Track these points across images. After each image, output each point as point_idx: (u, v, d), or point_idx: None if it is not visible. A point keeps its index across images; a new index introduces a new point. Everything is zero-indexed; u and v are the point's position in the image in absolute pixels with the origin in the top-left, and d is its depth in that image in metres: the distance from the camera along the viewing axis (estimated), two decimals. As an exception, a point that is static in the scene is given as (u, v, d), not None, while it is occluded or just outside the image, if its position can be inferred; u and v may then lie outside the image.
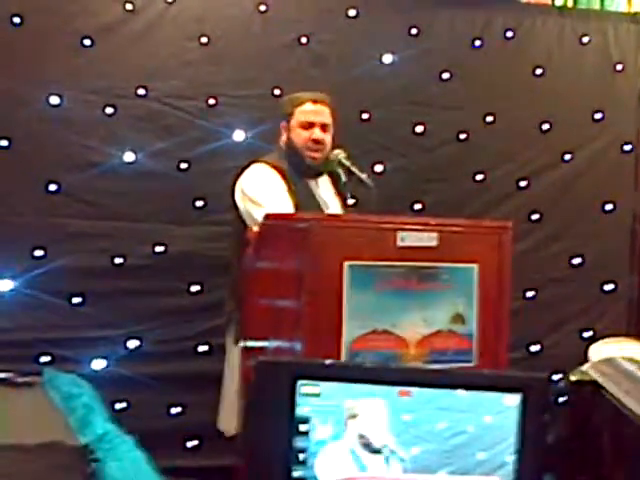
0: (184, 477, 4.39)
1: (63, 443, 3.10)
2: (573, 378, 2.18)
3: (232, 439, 3.92)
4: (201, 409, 4.47)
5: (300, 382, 1.58)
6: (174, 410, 4.70)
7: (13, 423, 3.39)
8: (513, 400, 1.60)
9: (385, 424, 1.58)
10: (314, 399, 1.59)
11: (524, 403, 1.60)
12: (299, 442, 1.59)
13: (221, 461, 4.26)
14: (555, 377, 4.80)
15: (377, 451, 1.58)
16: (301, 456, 1.58)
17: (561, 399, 1.61)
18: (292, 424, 1.58)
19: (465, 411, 1.60)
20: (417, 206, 5.05)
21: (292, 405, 1.58)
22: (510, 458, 1.60)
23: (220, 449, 4.24)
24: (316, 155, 3.92)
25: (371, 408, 1.58)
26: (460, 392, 1.60)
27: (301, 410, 1.59)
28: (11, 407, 3.69)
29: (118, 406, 4.53)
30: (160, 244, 4.70)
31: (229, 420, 3.98)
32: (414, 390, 1.60)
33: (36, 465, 2.84)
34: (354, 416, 1.58)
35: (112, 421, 3.58)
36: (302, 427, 1.58)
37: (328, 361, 1.64)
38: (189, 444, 4.70)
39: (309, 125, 3.95)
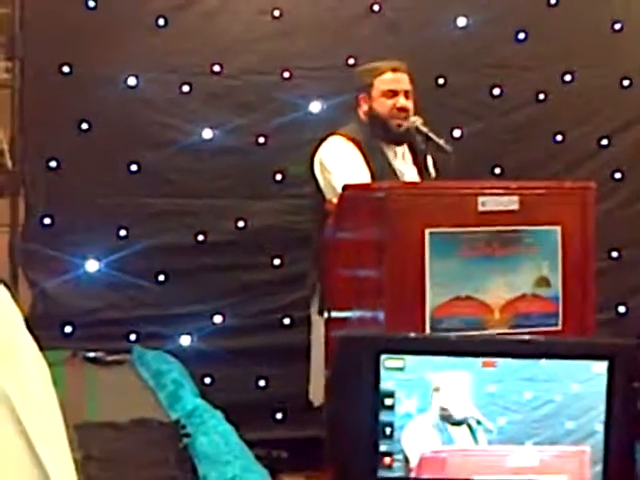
0: (272, 449, 4.44)
1: (154, 419, 3.17)
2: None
3: (320, 409, 3.95)
4: (286, 381, 4.51)
5: (384, 356, 1.58)
6: (260, 383, 4.75)
7: (105, 401, 3.47)
8: (601, 367, 1.58)
9: (470, 396, 1.58)
10: (398, 373, 1.58)
11: (612, 370, 1.57)
12: (384, 416, 1.58)
13: (309, 432, 4.29)
14: (644, 337, 4.74)
15: (459, 423, 1.58)
16: (387, 430, 1.58)
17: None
18: (377, 398, 1.58)
19: (551, 380, 1.58)
20: (497, 170, 4.99)
21: (376, 379, 1.58)
22: (600, 427, 1.57)
23: (307, 420, 4.28)
24: (401, 122, 3.90)
25: (454, 380, 1.57)
26: (545, 361, 1.58)
27: (385, 384, 1.58)
28: (102, 385, 3.78)
29: (205, 381, 4.59)
30: (241, 219, 4.73)
31: (318, 390, 4.01)
32: (498, 360, 1.58)
33: (129, 442, 2.90)
34: (437, 389, 1.57)
35: (201, 396, 3.64)
36: (387, 401, 1.58)
37: (411, 334, 1.64)
38: (275, 416, 4.75)
39: (392, 94, 3.94)
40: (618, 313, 5.09)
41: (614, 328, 4.87)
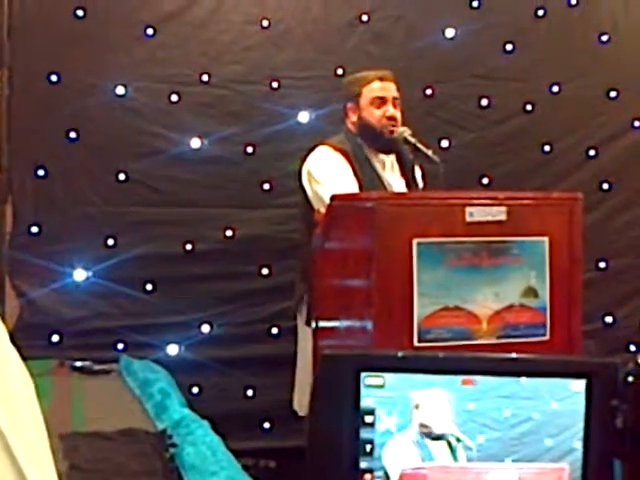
0: (260, 458, 4.43)
1: (141, 429, 3.16)
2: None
3: (304, 419, 3.95)
4: (274, 391, 4.51)
5: (364, 374, 1.59)
6: (247, 393, 4.74)
7: (92, 410, 3.46)
8: (579, 386, 1.58)
9: (449, 413, 1.58)
10: (378, 390, 1.59)
11: (590, 388, 1.58)
12: (365, 433, 1.59)
13: (296, 442, 4.28)
14: (632, 348, 4.75)
15: (439, 440, 1.58)
16: (367, 447, 1.59)
17: (629, 381, 1.58)
18: (357, 416, 1.58)
19: (530, 398, 1.58)
20: (485, 180, 5.01)
21: (357, 397, 1.59)
22: (578, 444, 1.58)
23: (294, 430, 4.28)
24: (392, 129, 3.90)
25: (434, 398, 1.58)
26: (524, 379, 1.59)
27: (366, 401, 1.59)
28: (89, 395, 3.76)
29: (192, 390, 4.59)
30: (229, 228, 4.74)
31: (302, 400, 4.01)
32: (478, 378, 1.59)
33: (116, 452, 2.89)
34: (417, 406, 1.58)
35: (188, 406, 3.63)
36: (367, 418, 1.59)
37: (391, 352, 1.65)
38: (263, 426, 4.74)
39: (381, 102, 3.95)
40: (605, 323, 5.11)
41: (601, 338, 4.88)
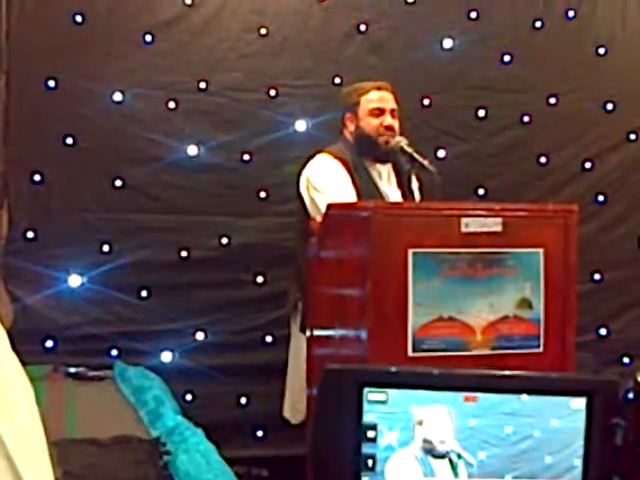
0: (253, 467, 4.43)
1: (135, 437, 3.15)
2: (640, 379, 2.15)
3: (297, 427, 3.94)
4: (267, 399, 4.50)
5: (366, 389, 1.60)
6: (241, 401, 4.74)
7: (86, 417, 3.45)
8: (580, 403, 1.59)
9: (451, 430, 1.59)
10: (380, 406, 1.60)
11: (591, 406, 1.58)
12: (367, 448, 1.60)
13: (289, 450, 4.29)
14: (625, 360, 4.74)
15: (442, 456, 1.59)
16: (369, 462, 1.60)
17: (629, 400, 1.58)
18: (359, 431, 1.59)
19: (531, 415, 1.59)
20: (480, 191, 5.02)
21: (359, 412, 1.59)
22: (578, 461, 1.59)
23: (287, 438, 4.29)
24: (389, 139, 3.91)
25: (437, 414, 1.59)
26: (526, 397, 1.59)
27: (368, 417, 1.60)
28: (83, 401, 3.76)
29: (186, 398, 4.58)
30: (224, 236, 4.74)
31: (294, 408, 4.01)
32: (480, 395, 1.59)
33: (110, 459, 2.89)
34: (420, 422, 1.58)
35: (181, 413, 3.63)
36: (369, 434, 1.60)
37: (394, 368, 1.65)
38: (256, 434, 4.74)
39: (379, 112, 3.96)
40: (599, 335, 5.11)
41: (596, 350, 4.89)
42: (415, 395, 1.60)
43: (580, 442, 1.59)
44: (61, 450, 2.72)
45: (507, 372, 1.66)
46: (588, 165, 5.16)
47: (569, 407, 1.59)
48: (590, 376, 1.69)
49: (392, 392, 1.60)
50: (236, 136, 4.76)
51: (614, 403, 1.57)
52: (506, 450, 1.59)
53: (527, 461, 1.59)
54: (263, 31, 4.81)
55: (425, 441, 1.58)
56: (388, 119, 3.95)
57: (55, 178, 4.58)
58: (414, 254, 2.91)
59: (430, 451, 1.58)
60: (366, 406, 1.59)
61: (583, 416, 1.59)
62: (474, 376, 1.68)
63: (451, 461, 1.59)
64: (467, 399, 1.59)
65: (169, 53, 4.72)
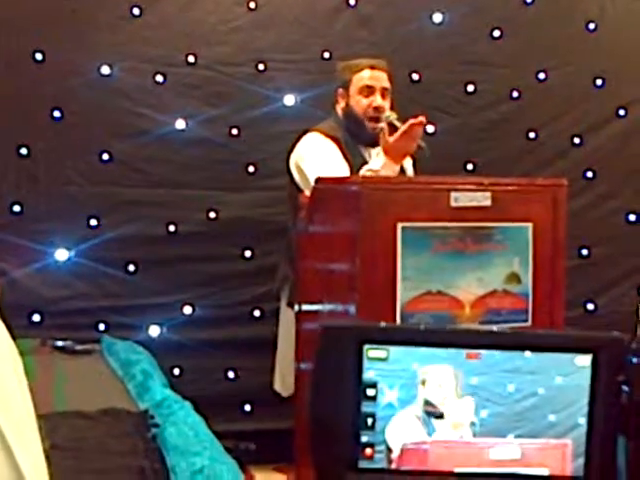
0: (241, 441, 4.43)
1: (123, 409, 3.15)
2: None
3: (287, 400, 3.95)
4: (255, 373, 4.51)
5: (367, 346, 1.57)
6: (229, 375, 4.74)
7: (73, 390, 3.45)
8: (585, 360, 1.57)
9: (453, 388, 1.58)
10: (381, 363, 1.57)
11: (596, 363, 1.57)
12: (366, 407, 1.58)
13: (277, 424, 4.30)
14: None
15: (444, 416, 1.58)
16: (369, 421, 1.58)
17: (634, 359, 1.57)
18: (359, 389, 1.57)
19: (535, 373, 1.58)
20: (469, 166, 5.01)
21: (359, 369, 1.57)
22: (583, 420, 1.57)
23: (275, 412, 4.30)
24: (377, 125, 3.89)
25: (439, 373, 1.57)
26: (529, 354, 1.58)
27: (368, 374, 1.58)
28: (71, 375, 3.75)
29: (174, 372, 4.58)
30: (212, 210, 4.72)
31: (284, 381, 4.02)
32: (482, 352, 1.58)
33: (98, 431, 2.89)
34: (423, 382, 1.57)
35: (169, 387, 3.62)
36: (369, 392, 1.58)
37: (395, 324, 1.64)
38: (244, 408, 4.74)
39: (369, 91, 3.94)
40: (587, 310, 5.13)
41: (584, 325, 4.90)
42: (416, 352, 1.58)
43: (585, 400, 1.57)
44: (49, 423, 2.72)
45: (503, 327, 1.64)
46: (577, 140, 5.16)
47: (574, 364, 1.58)
48: (595, 333, 1.67)
49: (393, 349, 1.57)
50: (224, 110, 4.74)
51: (619, 361, 1.56)
52: (509, 408, 1.58)
53: (530, 419, 1.58)
54: (252, 5, 4.78)
55: (427, 403, 1.57)
56: (378, 99, 3.93)
57: (42, 152, 4.55)
58: (403, 228, 2.91)
59: (431, 410, 1.58)
60: (366, 363, 1.57)
61: (588, 373, 1.57)
62: (477, 332, 1.67)
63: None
64: (470, 356, 1.57)
65: (157, 26, 4.68)
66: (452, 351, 1.58)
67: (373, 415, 1.58)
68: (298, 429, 3.34)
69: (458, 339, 1.61)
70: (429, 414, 1.57)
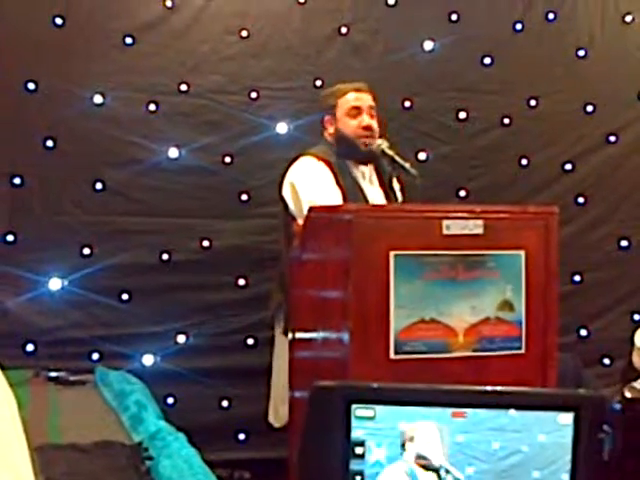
0: (235, 469, 4.42)
1: (117, 442, 3.14)
2: (628, 395, 2.15)
3: (280, 430, 3.94)
4: (249, 402, 4.50)
5: (354, 406, 1.60)
6: (223, 404, 4.73)
7: (67, 422, 3.43)
8: (567, 419, 1.59)
9: (440, 445, 1.59)
10: (369, 422, 1.60)
11: (578, 421, 1.59)
12: (355, 465, 1.60)
13: (271, 453, 4.29)
14: (606, 361, 4.75)
15: (435, 470, 1.59)
16: (357, 479, 1.60)
17: (616, 412, 1.59)
18: (348, 447, 1.59)
19: (519, 431, 1.59)
20: (462, 193, 5.03)
21: (347, 428, 1.59)
22: (566, 477, 1.59)
23: (269, 441, 4.28)
24: (368, 141, 3.91)
25: (426, 430, 1.59)
26: (513, 412, 1.60)
27: (356, 433, 1.60)
28: (65, 406, 3.74)
29: (167, 401, 4.57)
30: (206, 239, 4.73)
31: (277, 412, 4.01)
32: (468, 411, 1.60)
33: (92, 464, 2.88)
34: (412, 439, 1.59)
35: (163, 417, 3.61)
36: (358, 450, 1.60)
37: (381, 385, 1.65)
38: (238, 437, 4.73)
39: (357, 112, 3.96)
40: (580, 336, 5.13)
41: (576, 351, 4.90)
42: (403, 411, 1.60)
43: (567, 457, 1.59)
44: (43, 456, 2.71)
45: (495, 388, 1.66)
46: (568, 167, 5.18)
47: (556, 422, 1.59)
48: (577, 392, 1.68)
49: (380, 408, 1.60)
50: (217, 138, 4.76)
51: (601, 418, 1.58)
52: (494, 465, 1.59)
53: (515, 476, 1.59)
54: (244, 33, 4.81)
55: (419, 457, 1.59)
56: (366, 119, 3.95)
57: (35, 181, 4.56)
58: (396, 256, 2.91)
59: (422, 466, 1.59)
60: (354, 422, 1.60)
61: (570, 431, 1.59)
62: (462, 392, 1.68)
63: (439, 477, 1.59)
64: (455, 415, 1.59)
65: (150, 55, 4.70)
66: (438, 410, 1.60)
67: (361, 473, 1.60)
68: (292, 458, 3.33)
69: (444, 398, 1.63)
70: (418, 467, 1.58)
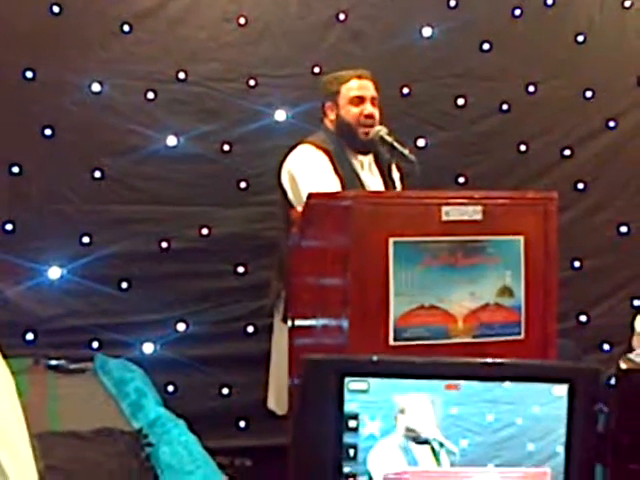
0: (236, 457, 4.43)
1: (117, 429, 3.14)
2: (623, 366, 2.16)
3: (281, 418, 3.94)
4: (249, 389, 4.51)
5: (347, 379, 1.59)
6: (223, 391, 4.74)
7: (67, 410, 3.44)
8: (561, 390, 1.59)
9: (433, 418, 1.59)
10: (362, 395, 1.59)
11: (573, 393, 1.59)
12: (348, 438, 1.59)
13: (271, 440, 4.29)
14: (605, 347, 4.77)
15: (426, 442, 1.59)
16: (351, 452, 1.59)
17: (611, 386, 1.59)
18: (341, 420, 1.59)
19: (513, 403, 1.59)
20: (461, 179, 5.02)
21: (340, 402, 1.59)
22: (561, 449, 1.59)
23: (269, 428, 4.28)
24: (369, 130, 3.90)
25: (419, 403, 1.58)
26: (507, 384, 1.60)
27: (349, 406, 1.59)
28: (65, 394, 3.75)
29: (168, 389, 4.57)
30: (205, 227, 4.73)
31: (278, 399, 4.01)
32: (461, 383, 1.59)
33: (92, 452, 2.88)
34: (402, 411, 1.58)
35: (163, 404, 3.62)
36: (351, 423, 1.59)
37: (375, 357, 1.65)
38: (239, 425, 4.74)
39: (359, 100, 3.95)
40: (579, 322, 5.13)
41: (577, 337, 4.90)
42: (396, 384, 1.60)
43: (562, 429, 1.59)
44: (43, 443, 2.71)
45: (489, 359, 1.65)
46: (567, 153, 5.18)
47: (551, 394, 1.59)
48: (571, 363, 1.68)
49: (373, 381, 1.59)
50: (216, 126, 4.75)
51: (595, 390, 1.58)
52: (488, 438, 1.59)
53: (509, 449, 1.59)
54: (242, 20, 4.79)
55: (408, 429, 1.58)
56: (368, 107, 3.95)
57: (34, 170, 4.56)
58: (395, 243, 2.91)
59: (413, 440, 1.58)
60: (347, 395, 1.59)
61: (565, 403, 1.59)
62: (456, 364, 1.68)
63: (433, 449, 1.59)
64: (449, 387, 1.59)
65: (147, 43, 4.69)
66: (432, 382, 1.60)
67: (355, 446, 1.59)
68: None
69: (437, 370, 1.63)
70: (410, 440, 1.58)
